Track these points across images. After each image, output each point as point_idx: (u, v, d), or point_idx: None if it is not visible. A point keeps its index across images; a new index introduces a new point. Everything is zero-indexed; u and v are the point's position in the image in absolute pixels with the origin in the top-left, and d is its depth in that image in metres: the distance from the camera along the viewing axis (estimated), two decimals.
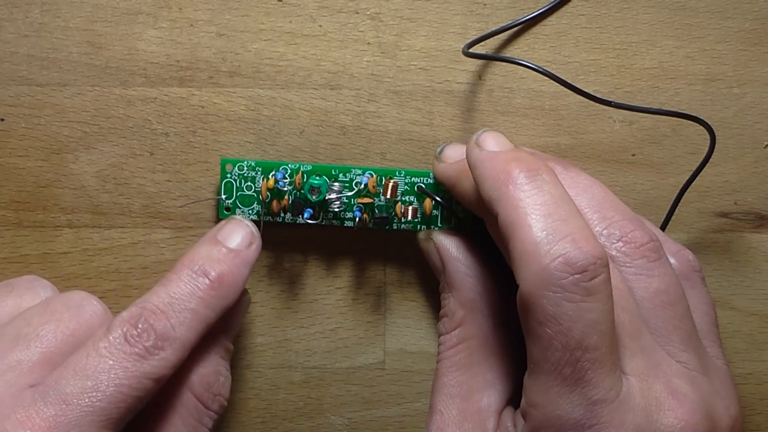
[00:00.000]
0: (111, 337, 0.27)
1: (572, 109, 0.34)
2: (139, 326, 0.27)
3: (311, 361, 0.34)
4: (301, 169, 0.32)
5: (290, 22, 0.33)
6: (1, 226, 0.33)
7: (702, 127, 0.32)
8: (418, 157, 0.33)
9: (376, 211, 0.32)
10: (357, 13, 0.33)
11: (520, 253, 0.26)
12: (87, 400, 0.25)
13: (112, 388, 0.26)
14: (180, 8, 0.33)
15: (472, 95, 0.33)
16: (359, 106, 0.33)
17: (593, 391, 0.25)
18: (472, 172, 0.29)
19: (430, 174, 0.32)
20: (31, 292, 0.30)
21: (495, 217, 0.27)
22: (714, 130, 0.31)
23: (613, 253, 0.29)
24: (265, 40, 0.33)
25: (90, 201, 0.33)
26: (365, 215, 0.32)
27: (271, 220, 0.32)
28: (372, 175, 0.32)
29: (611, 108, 0.32)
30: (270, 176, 0.32)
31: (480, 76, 0.33)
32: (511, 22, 0.33)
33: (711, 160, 0.32)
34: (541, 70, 0.31)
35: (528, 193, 0.26)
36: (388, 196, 0.32)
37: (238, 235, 0.30)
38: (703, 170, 0.32)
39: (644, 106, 0.33)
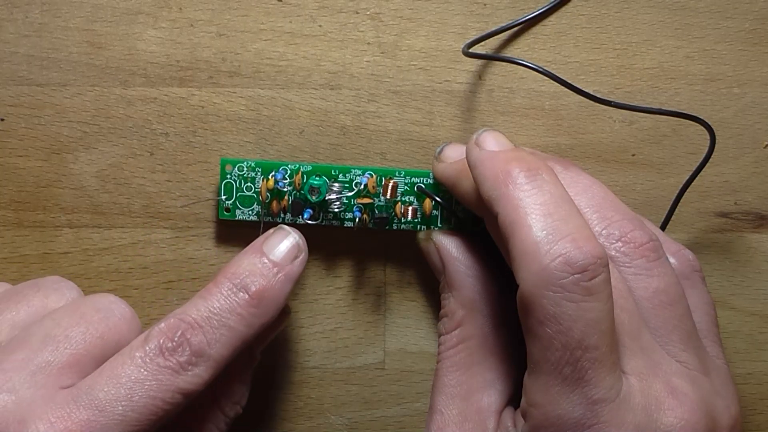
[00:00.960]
0: (147, 348, 0.26)
1: (572, 109, 0.34)
2: (175, 339, 0.26)
3: (311, 361, 0.34)
4: (301, 169, 0.32)
5: (290, 22, 0.33)
6: (1, 226, 0.33)
7: (702, 127, 0.32)
8: (418, 157, 0.33)
9: (376, 211, 0.32)
10: (357, 13, 0.33)
11: (520, 252, 0.26)
12: (120, 408, 0.25)
13: (145, 399, 0.25)
14: (180, 8, 0.33)
15: (472, 95, 0.33)
16: (359, 106, 0.33)
17: (593, 390, 0.25)
18: (471, 172, 0.29)
19: (430, 174, 0.32)
20: (58, 293, 0.29)
21: (495, 217, 0.27)
22: (714, 130, 0.31)
23: (613, 253, 0.29)
24: (265, 40, 0.33)
25: (90, 201, 0.33)
26: (365, 215, 0.32)
27: (271, 220, 0.32)
28: (372, 176, 0.32)
29: (611, 108, 0.32)
30: (270, 177, 0.32)
31: (480, 76, 0.33)
32: (511, 22, 0.33)
33: (711, 160, 0.32)
34: (541, 70, 0.31)
35: (528, 192, 0.26)
36: (388, 197, 0.32)
37: (285, 246, 0.29)
38: (703, 170, 0.32)
39: (644, 106, 0.33)
